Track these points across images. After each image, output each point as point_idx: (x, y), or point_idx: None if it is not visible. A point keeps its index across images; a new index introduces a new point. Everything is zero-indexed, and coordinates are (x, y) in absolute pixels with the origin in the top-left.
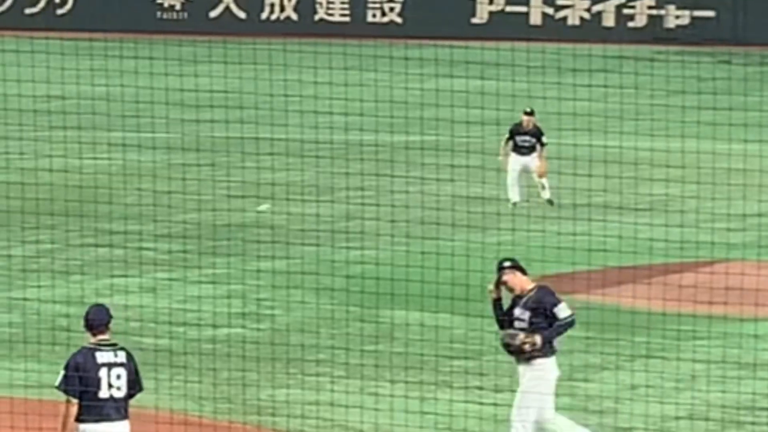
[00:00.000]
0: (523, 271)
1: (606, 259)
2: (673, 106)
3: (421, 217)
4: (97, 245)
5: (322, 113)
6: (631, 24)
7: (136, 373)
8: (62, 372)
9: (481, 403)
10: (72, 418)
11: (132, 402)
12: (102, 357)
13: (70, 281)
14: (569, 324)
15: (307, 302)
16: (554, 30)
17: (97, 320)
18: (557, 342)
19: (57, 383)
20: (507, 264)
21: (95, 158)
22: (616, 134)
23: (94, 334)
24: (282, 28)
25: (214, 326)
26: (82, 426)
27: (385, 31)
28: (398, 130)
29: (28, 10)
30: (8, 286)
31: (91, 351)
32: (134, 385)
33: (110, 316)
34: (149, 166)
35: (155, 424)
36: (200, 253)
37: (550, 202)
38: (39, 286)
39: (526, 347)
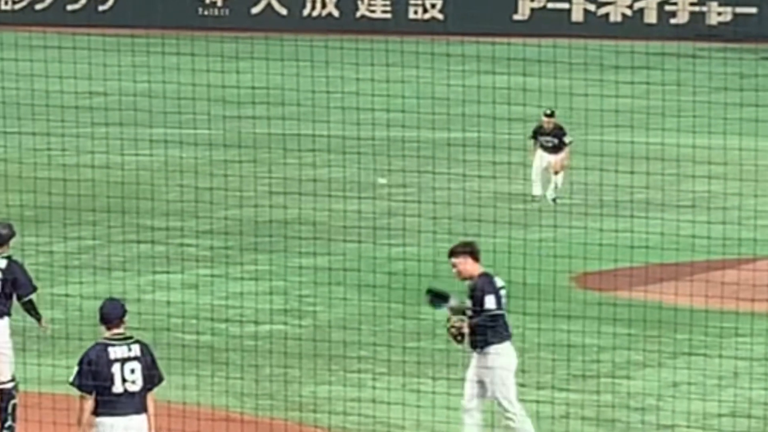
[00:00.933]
0: (476, 258)
1: (648, 256)
2: (716, 103)
3: (463, 214)
4: (138, 241)
5: (364, 110)
6: (673, 21)
7: (154, 364)
8: (76, 368)
9: (523, 400)
10: (87, 413)
11: (174, 397)
12: (115, 352)
13: (112, 277)
14: (492, 318)
15: (348, 299)
16: (596, 27)
17: (112, 314)
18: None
19: (71, 379)
20: (460, 249)
21: (137, 155)
22: (659, 131)
23: (108, 328)
24: (323, 25)
25: (256, 323)
26: (99, 419)
27: (427, 28)
28: (440, 126)
29: (69, 7)
30: (50, 282)
31: (104, 346)
32: (151, 377)
33: (125, 310)
34: (191, 162)
35: (197, 420)
36: (242, 250)
37: (554, 201)
38: (81, 283)
39: (452, 330)
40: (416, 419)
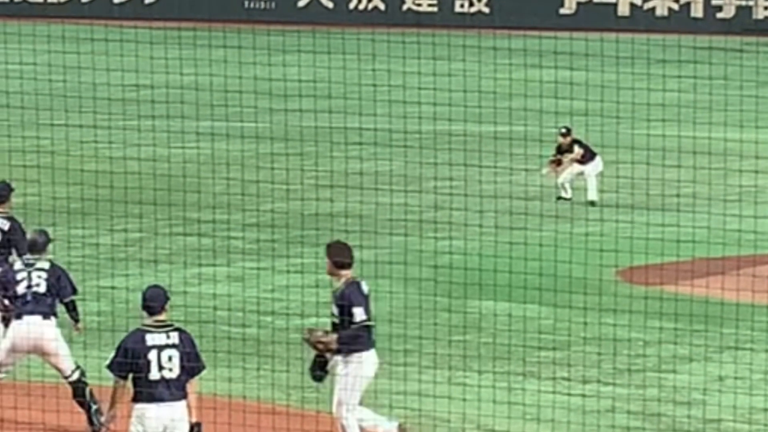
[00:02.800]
0: (342, 265)
1: (694, 250)
2: (763, 97)
3: (509, 208)
4: (185, 234)
5: (411, 103)
6: (719, 15)
7: (194, 353)
8: (113, 353)
9: (569, 394)
10: (119, 399)
11: (221, 391)
12: (153, 339)
13: (158, 270)
14: (363, 329)
15: (394, 292)
16: (642, 21)
17: (155, 302)
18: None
19: (106, 363)
20: (329, 251)
21: (183, 147)
22: (705, 125)
23: (150, 315)
24: (369, 19)
25: (302, 315)
26: (136, 405)
27: (473, 21)
28: (486, 120)
29: (117, 0)
30: (96, 275)
31: (142, 333)
32: (191, 366)
33: (167, 298)
34: (237, 155)
35: (243, 413)
36: (288, 243)
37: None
38: (127, 275)
39: (320, 346)
40: (462, 413)
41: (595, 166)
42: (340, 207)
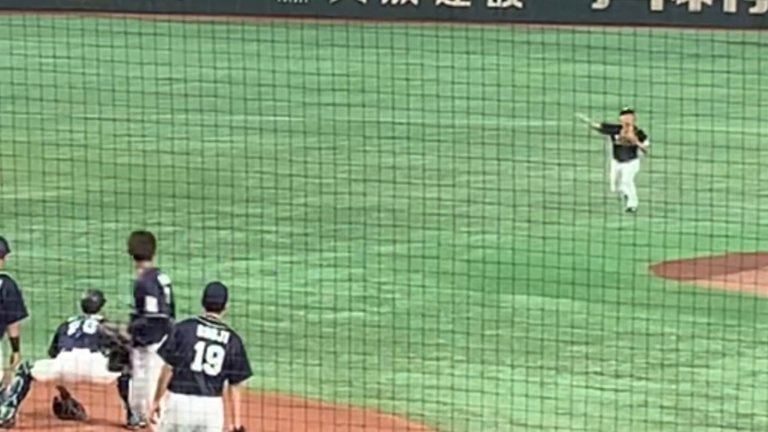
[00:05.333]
0: (141, 256)
1: (728, 245)
2: None
3: (543, 202)
4: (218, 228)
5: (444, 97)
6: (752, 10)
7: (242, 357)
8: (165, 337)
9: (602, 389)
10: (165, 383)
11: (253, 384)
12: (204, 331)
13: (191, 264)
14: (155, 320)
15: (427, 286)
16: (675, 15)
17: (214, 300)
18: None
19: (157, 348)
20: (131, 242)
21: (217, 141)
22: (739, 120)
23: (208, 310)
24: (402, 13)
25: (335, 310)
26: (172, 395)
27: (506, 16)
28: (520, 114)
29: None
30: (130, 268)
31: (195, 323)
32: (234, 367)
33: (227, 298)
34: (271, 149)
35: (276, 406)
36: (321, 237)
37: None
38: (160, 269)
39: (119, 341)
40: (494, 407)
41: (633, 167)
42: (373, 201)
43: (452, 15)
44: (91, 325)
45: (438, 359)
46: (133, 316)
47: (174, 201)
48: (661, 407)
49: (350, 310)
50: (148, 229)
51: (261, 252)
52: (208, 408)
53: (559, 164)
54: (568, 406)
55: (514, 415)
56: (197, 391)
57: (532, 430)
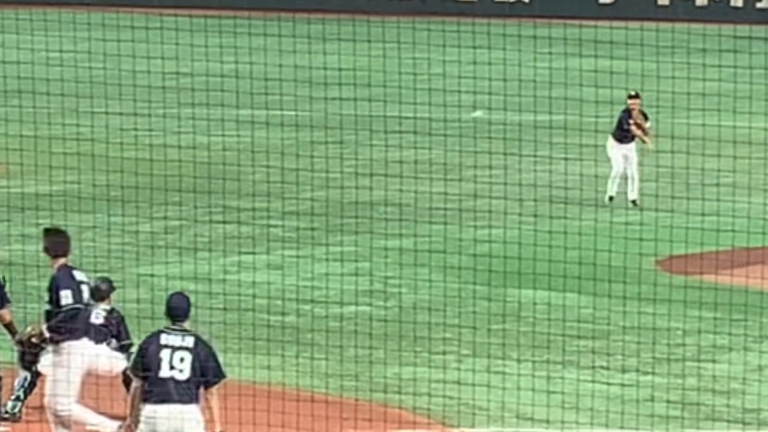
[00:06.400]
0: (55, 252)
1: (734, 240)
2: None
3: (549, 196)
4: (224, 222)
5: (451, 92)
6: (759, 5)
7: (212, 360)
8: (134, 356)
9: (608, 383)
10: (137, 398)
11: (260, 378)
12: (167, 339)
13: (198, 258)
14: (71, 313)
15: (434, 281)
16: (682, 10)
17: (177, 310)
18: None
19: (129, 367)
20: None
21: (223, 135)
22: (746, 115)
23: (173, 321)
24: (409, 8)
25: (341, 304)
26: (147, 407)
27: (512, 11)
28: (526, 108)
29: None
30: (136, 262)
31: (158, 333)
32: (204, 371)
33: (189, 307)
34: (277, 143)
35: (282, 400)
36: (327, 231)
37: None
38: (166, 263)
39: (34, 339)
40: (501, 401)
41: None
42: (380, 195)
43: (459, 9)
44: (98, 315)
45: (444, 353)
46: (48, 313)
47: (180, 195)
48: (668, 402)
49: (357, 304)
50: (154, 223)
51: (267, 246)
52: (185, 416)
53: (565, 159)
54: (574, 400)
55: (520, 410)
56: (171, 399)
57: (538, 425)
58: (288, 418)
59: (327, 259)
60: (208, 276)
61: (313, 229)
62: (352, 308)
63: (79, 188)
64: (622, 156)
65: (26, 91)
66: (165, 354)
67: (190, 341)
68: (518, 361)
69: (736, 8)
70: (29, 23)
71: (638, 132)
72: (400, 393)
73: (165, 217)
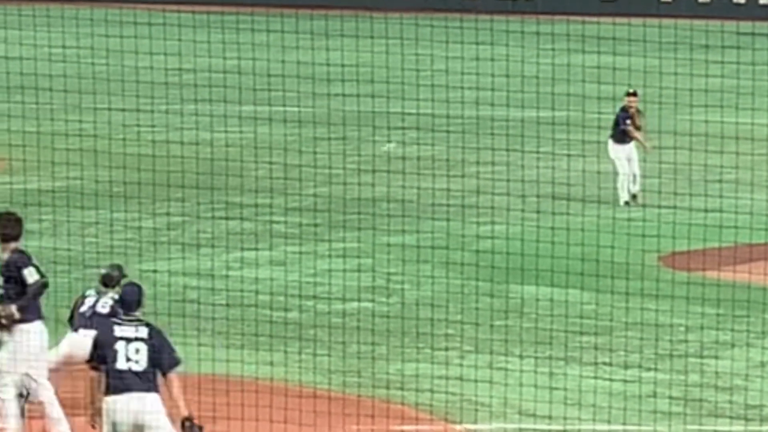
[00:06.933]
0: (8, 237)
1: (737, 236)
2: None
3: (552, 193)
4: (227, 218)
5: (453, 88)
6: (762, 1)
7: (166, 347)
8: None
9: (611, 380)
10: (95, 385)
11: (262, 374)
12: (122, 331)
13: (200, 254)
14: (38, 289)
15: (436, 277)
16: (684, 6)
17: (129, 300)
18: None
19: (87, 359)
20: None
21: (226, 131)
22: (748, 111)
23: (126, 312)
24: (412, 4)
25: (344, 300)
26: (107, 398)
27: (515, 7)
28: (529, 105)
29: None
30: (139, 259)
31: (111, 325)
32: (159, 359)
33: (142, 296)
34: (280, 139)
35: (285, 396)
36: (330, 227)
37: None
38: (169, 259)
39: (3, 321)
40: (503, 397)
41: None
42: (382, 191)
43: (462, 6)
44: (105, 305)
45: (447, 350)
46: (6, 297)
47: (183, 191)
48: (670, 398)
49: (359, 300)
50: (157, 219)
51: (270, 242)
52: (146, 406)
53: (568, 155)
54: (576, 396)
55: (522, 406)
56: (130, 389)
57: (540, 421)
58: (290, 414)
59: (329, 255)
60: (210, 272)
61: (315, 225)
62: (355, 304)
63: (81, 184)
64: (625, 158)
65: (29, 87)
66: (120, 346)
67: (144, 332)
68: (521, 357)
69: (738, 4)
70: (32, 19)
71: (636, 134)
72: (402, 389)
73: (168, 213)
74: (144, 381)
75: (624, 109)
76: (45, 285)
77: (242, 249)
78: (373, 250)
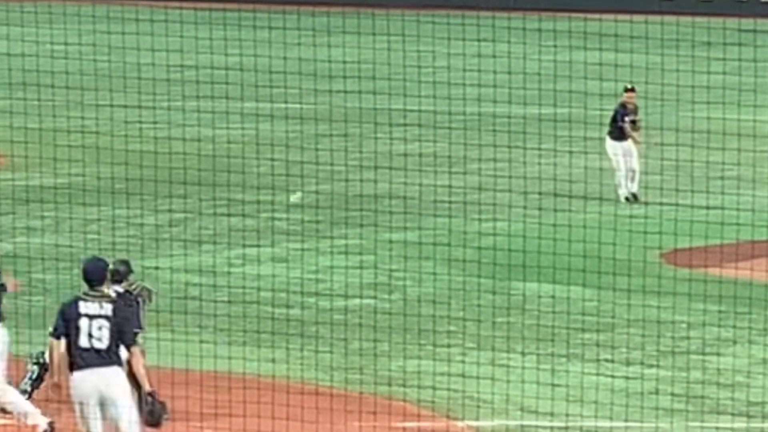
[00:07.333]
0: None
1: (739, 233)
2: None
3: (554, 190)
4: (229, 215)
5: (455, 85)
6: None
7: (127, 324)
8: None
9: (613, 376)
10: (56, 358)
11: (264, 371)
12: (86, 307)
13: (203, 251)
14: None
15: (438, 273)
16: (687, 3)
17: (93, 275)
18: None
19: (50, 331)
20: None
21: (228, 128)
22: (750, 108)
23: (90, 287)
24: (413, 1)
25: (346, 297)
26: (71, 375)
27: (517, 4)
28: (531, 102)
29: None
30: (141, 255)
31: (76, 300)
32: (122, 336)
33: (106, 271)
34: (282, 136)
35: (286, 393)
36: (332, 224)
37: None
38: (171, 256)
39: None
40: (505, 394)
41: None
42: (384, 188)
43: (463, 2)
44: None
45: (449, 346)
46: None
47: (185, 188)
48: (672, 395)
49: (361, 297)
50: (159, 216)
51: (272, 239)
52: (110, 380)
53: (570, 152)
54: (578, 393)
55: (524, 403)
56: (93, 364)
57: (542, 418)
58: (292, 411)
59: (331, 252)
60: (212, 269)
61: (317, 222)
62: (357, 301)
63: (83, 181)
64: (622, 154)
65: (31, 83)
66: (83, 323)
67: (108, 308)
68: (523, 354)
69: (740, 1)
70: (34, 16)
71: (631, 133)
72: (404, 386)
73: (170, 210)
74: (107, 356)
75: (623, 105)
76: (2, 287)
77: (244, 246)
78: (375, 246)
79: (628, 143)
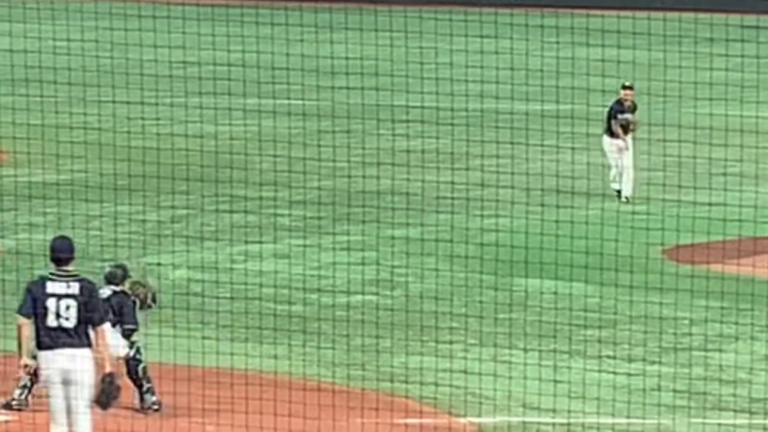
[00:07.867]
0: None
1: (741, 229)
2: None
3: (556, 186)
4: (231, 211)
5: (458, 81)
6: None
7: (95, 304)
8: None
9: (615, 373)
10: (25, 337)
11: (266, 367)
12: (53, 287)
13: (205, 247)
14: None
15: (440, 270)
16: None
17: (60, 252)
18: None
19: (17, 310)
20: None
21: (230, 124)
22: (753, 104)
23: (57, 266)
24: None
25: (348, 293)
26: (39, 353)
27: (519, 0)
28: (533, 98)
29: None
30: (143, 251)
31: (44, 280)
32: (89, 316)
33: (73, 250)
34: (284, 132)
35: (289, 389)
36: (334, 220)
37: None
38: (173, 252)
39: None
40: (507, 391)
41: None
42: (387, 184)
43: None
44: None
45: (451, 343)
46: None
47: (187, 184)
48: (674, 391)
49: (363, 293)
50: (161, 212)
51: (274, 235)
52: (76, 359)
53: (572, 148)
54: (581, 390)
55: (527, 399)
56: (61, 344)
57: (544, 414)
58: (295, 408)
59: (334, 249)
60: (214, 265)
61: (320, 218)
62: (359, 297)
63: (86, 177)
64: (617, 151)
65: (33, 79)
66: (51, 303)
67: (75, 287)
68: (525, 350)
69: None
70: (36, 12)
71: (618, 130)
72: (406, 382)
73: (172, 206)
74: (75, 336)
75: (618, 102)
76: None
77: (246, 242)
78: (377, 243)
79: (626, 138)
